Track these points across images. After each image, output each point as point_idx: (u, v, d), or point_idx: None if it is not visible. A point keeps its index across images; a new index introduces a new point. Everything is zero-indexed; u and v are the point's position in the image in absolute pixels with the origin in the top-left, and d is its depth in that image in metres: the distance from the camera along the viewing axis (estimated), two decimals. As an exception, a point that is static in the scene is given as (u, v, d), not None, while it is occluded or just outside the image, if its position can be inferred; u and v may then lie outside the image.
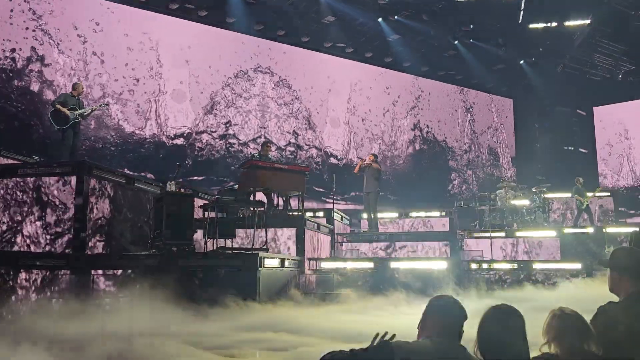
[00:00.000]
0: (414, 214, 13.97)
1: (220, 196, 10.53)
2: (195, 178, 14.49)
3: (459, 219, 14.01)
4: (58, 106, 9.43)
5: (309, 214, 11.00)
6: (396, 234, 12.00)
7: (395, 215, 14.28)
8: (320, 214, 12.31)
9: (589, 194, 14.08)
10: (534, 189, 13.36)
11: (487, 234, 11.94)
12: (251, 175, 9.77)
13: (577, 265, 9.85)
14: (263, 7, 15.82)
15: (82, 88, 9.92)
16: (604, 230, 12.01)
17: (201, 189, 11.18)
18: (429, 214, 13.90)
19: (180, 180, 9.96)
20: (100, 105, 10.11)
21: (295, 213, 10.26)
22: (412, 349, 2.24)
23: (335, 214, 12.32)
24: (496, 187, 13.84)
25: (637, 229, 8.41)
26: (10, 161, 9.73)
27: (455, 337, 2.35)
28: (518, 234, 12.00)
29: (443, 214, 13.77)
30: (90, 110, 9.77)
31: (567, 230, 12.02)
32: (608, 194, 16.01)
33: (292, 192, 10.44)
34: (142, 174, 12.83)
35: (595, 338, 2.44)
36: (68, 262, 7.63)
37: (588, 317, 2.59)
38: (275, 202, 10.77)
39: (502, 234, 12.07)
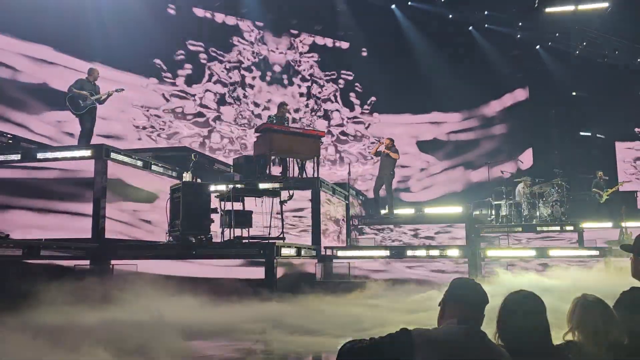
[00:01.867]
0: (429, 210, 13.93)
1: (236, 165, 10.60)
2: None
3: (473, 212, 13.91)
4: (76, 91, 9.48)
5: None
6: (412, 217, 11.87)
7: (411, 211, 14.30)
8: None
9: (609, 189, 13.85)
10: (552, 182, 13.17)
11: (504, 229, 11.86)
12: (266, 139, 9.69)
13: (595, 252, 9.79)
14: None
15: (98, 73, 9.95)
16: (621, 224, 11.84)
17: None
18: (445, 210, 13.88)
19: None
20: (116, 90, 10.08)
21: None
22: (432, 336, 2.20)
23: (350, 189, 12.32)
24: (514, 181, 13.69)
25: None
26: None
27: (476, 322, 2.30)
28: (538, 228, 11.93)
29: (460, 208, 13.73)
30: (106, 95, 9.78)
31: (585, 225, 11.87)
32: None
33: (308, 156, 10.33)
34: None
35: (619, 325, 2.42)
36: (87, 251, 7.74)
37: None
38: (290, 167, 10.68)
39: (519, 229, 11.98)
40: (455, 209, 13.36)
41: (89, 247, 7.86)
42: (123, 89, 9.90)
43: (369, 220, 12.04)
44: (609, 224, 12.09)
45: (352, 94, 18.22)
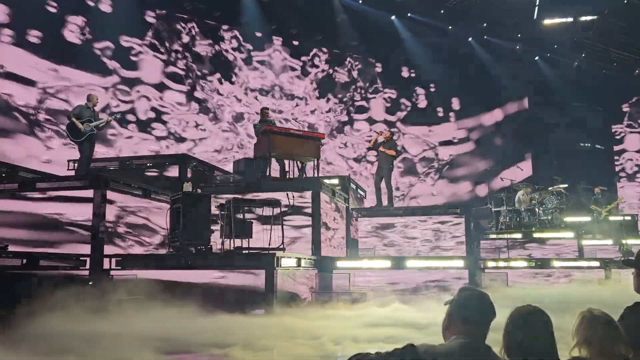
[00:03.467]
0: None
1: (236, 168, 10.59)
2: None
3: (474, 219, 13.87)
4: (73, 119, 9.44)
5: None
6: (411, 208, 11.76)
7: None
8: (335, 181, 12.10)
9: (608, 206, 13.83)
10: (550, 189, 13.17)
11: (504, 235, 11.82)
12: (266, 141, 9.67)
13: (595, 263, 9.78)
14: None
15: (97, 99, 9.92)
16: (622, 241, 11.80)
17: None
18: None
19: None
20: (114, 117, 10.12)
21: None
22: (439, 352, 2.19)
23: (351, 183, 12.26)
24: (513, 188, 13.67)
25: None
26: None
27: (482, 336, 2.27)
28: (535, 235, 11.88)
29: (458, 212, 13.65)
30: (105, 122, 9.78)
31: (585, 242, 11.84)
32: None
33: (308, 158, 10.27)
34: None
35: (625, 340, 2.40)
36: (87, 263, 7.71)
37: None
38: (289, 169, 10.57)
39: (519, 235, 11.95)
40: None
41: (88, 257, 7.84)
42: (121, 115, 9.95)
43: (367, 213, 11.92)
44: (609, 242, 12.04)
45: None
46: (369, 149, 12.41)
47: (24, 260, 7.06)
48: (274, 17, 16.06)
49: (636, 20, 16.40)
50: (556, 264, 9.68)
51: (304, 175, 10.25)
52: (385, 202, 11.86)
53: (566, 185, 13.19)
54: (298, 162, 10.32)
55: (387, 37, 17.56)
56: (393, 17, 17.08)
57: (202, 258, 7.97)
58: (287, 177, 9.92)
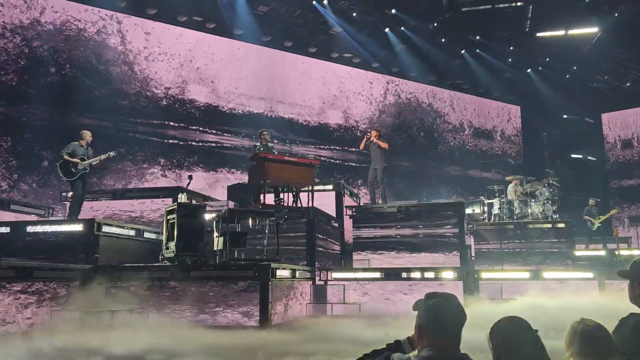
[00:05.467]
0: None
1: (231, 193, 10.57)
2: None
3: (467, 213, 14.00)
4: (66, 157, 9.33)
5: (317, 187, 11.03)
6: (405, 207, 11.70)
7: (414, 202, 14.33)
8: (329, 186, 12.21)
9: (601, 217, 13.99)
10: (543, 181, 13.27)
11: (496, 227, 11.87)
12: (260, 168, 9.70)
13: (589, 274, 9.79)
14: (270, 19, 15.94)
15: (90, 136, 9.74)
16: (616, 253, 11.89)
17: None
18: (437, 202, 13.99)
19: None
20: (108, 155, 9.83)
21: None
22: None
23: (344, 189, 12.22)
24: (506, 180, 13.79)
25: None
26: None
27: (455, 346, 2.21)
28: (529, 225, 11.95)
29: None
30: (98, 160, 9.61)
31: (578, 253, 11.87)
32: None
33: (302, 185, 10.31)
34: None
35: (619, 350, 2.42)
36: (81, 274, 7.68)
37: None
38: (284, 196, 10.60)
39: (512, 226, 12.01)
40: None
41: (82, 269, 7.81)
42: (115, 154, 9.90)
43: (360, 211, 11.83)
44: (602, 252, 12.12)
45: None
46: (359, 150, 12.39)
47: (17, 272, 7.01)
48: (268, 28, 16.17)
49: (627, 34, 16.60)
50: (548, 275, 9.69)
51: (299, 202, 10.29)
52: (379, 200, 11.95)
53: (557, 178, 13.31)
54: (293, 188, 10.38)
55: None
56: (387, 30, 17.20)
57: (195, 269, 7.94)
58: (282, 203, 9.91)
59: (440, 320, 2.21)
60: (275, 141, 12.59)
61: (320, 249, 10.17)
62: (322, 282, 9.72)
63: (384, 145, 11.77)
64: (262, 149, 10.62)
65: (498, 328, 2.32)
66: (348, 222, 11.83)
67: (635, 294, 2.88)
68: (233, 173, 15.63)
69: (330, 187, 12.26)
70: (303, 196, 10.33)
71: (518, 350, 2.24)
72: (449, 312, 2.23)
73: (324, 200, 11.69)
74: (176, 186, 11.88)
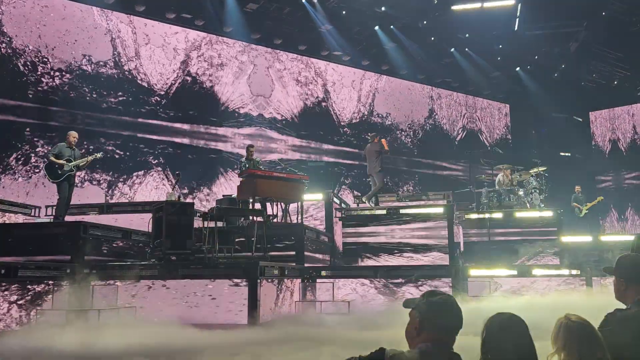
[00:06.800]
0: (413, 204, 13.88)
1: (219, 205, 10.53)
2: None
3: (455, 202, 14.12)
4: (52, 158, 9.23)
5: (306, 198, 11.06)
6: (395, 208, 11.78)
7: (393, 198, 14.50)
8: (319, 196, 12.20)
9: (588, 204, 14.10)
10: (531, 171, 13.35)
11: (485, 215, 11.93)
12: (249, 184, 9.72)
13: (577, 271, 9.85)
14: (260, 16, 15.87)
15: (76, 137, 9.64)
16: (599, 237, 11.94)
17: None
18: (427, 202, 14.28)
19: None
20: (95, 156, 9.76)
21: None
22: (406, 359, 2.18)
23: (335, 198, 12.32)
24: (494, 169, 13.87)
25: (637, 234, 8.39)
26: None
27: (449, 344, 2.26)
28: (516, 214, 12.00)
29: (441, 197, 14.26)
30: (85, 162, 9.53)
31: (564, 239, 11.96)
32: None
33: (291, 201, 10.41)
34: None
35: (604, 346, 2.42)
36: (68, 274, 7.60)
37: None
38: (273, 212, 10.67)
39: (500, 215, 12.06)
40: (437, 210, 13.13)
41: (68, 266, 7.73)
42: (101, 155, 9.81)
43: (349, 212, 11.90)
44: (589, 238, 12.17)
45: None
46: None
47: (2, 271, 6.94)
48: (257, 26, 16.10)
49: (614, 32, 16.73)
50: (536, 272, 9.74)
51: (289, 218, 10.30)
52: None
53: (545, 168, 13.40)
54: (282, 204, 10.38)
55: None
56: (376, 28, 17.20)
57: (184, 267, 7.90)
58: (270, 219, 9.94)
59: (443, 317, 2.26)
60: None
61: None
62: (311, 280, 9.70)
63: (375, 148, 11.97)
64: (247, 165, 10.64)
65: (491, 325, 2.33)
66: (339, 227, 11.89)
67: (620, 290, 2.90)
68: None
69: (320, 196, 12.23)
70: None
71: (509, 353, 2.24)
72: (451, 310, 2.29)
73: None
74: (163, 201, 11.76)
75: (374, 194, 12.14)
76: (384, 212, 11.44)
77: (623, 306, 2.87)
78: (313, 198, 12.00)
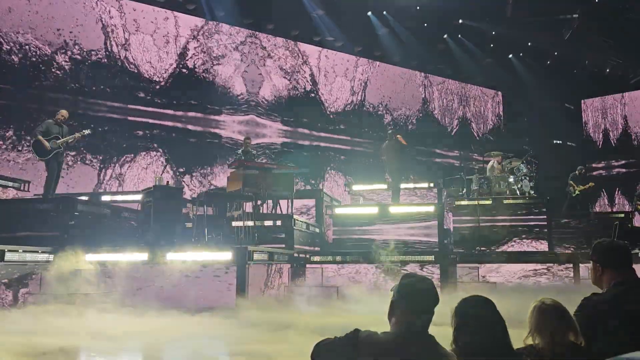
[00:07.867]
0: (402, 185, 13.86)
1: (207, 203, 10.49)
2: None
3: (445, 187, 14.23)
4: (39, 137, 9.04)
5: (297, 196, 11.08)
6: (384, 205, 11.86)
7: (384, 187, 14.49)
8: (310, 202, 12.28)
9: (581, 186, 14.28)
10: (521, 158, 13.41)
11: (474, 202, 12.02)
12: (239, 175, 9.66)
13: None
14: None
15: (66, 114, 9.44)
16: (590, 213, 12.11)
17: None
18: (417, 185, 14.63)
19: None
20: (82, 133, 9.54)
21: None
22: (376, 341, 2.20)
23: (325, 195, 12.32)
24: (484, 155, 13.96)
25: (618, 222, 8.46)
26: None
27: (424, 325, 2.26)
28: (505, 201, 12.08)
29: (432, 184, 14.38)
30: (73, 139, 9.34)
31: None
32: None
33: (281, 192, 10.33)
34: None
35: (577, 328, 2.46)
36: (55, 256, 7.60)
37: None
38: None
39: (489, 202, 12.14)
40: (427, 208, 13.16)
41: (55, 250, 7.71)
42: (89, 132, 9.67)
43: (338, 206, 11.98)
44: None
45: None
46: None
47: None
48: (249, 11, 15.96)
49: (608, 19, 16.71)
50: (524, 262, 9.83)
51: (279, 208, 10.27)
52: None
53: (535, 154, 13.52)
54: (272, 195, 10.36)
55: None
56: (369, 13, 17.10)
57: (172, 251, 7.91)
58: (260, 211, 9.90)
59: (411, 298, 2.26)
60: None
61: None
62: (301, 265, 9.75)
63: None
64: (242, 156, 10.59)
65: (460, 310, 2.35)
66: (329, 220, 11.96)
67: (597, 276, 2.93)
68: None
69: (310, 201, 12.32)
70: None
71: (478, 340, 2.26)
72: (421, 292, 2.28)
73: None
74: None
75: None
76: (375, 210, 11.54)
77: (599, 291, 2.91)
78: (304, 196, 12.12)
